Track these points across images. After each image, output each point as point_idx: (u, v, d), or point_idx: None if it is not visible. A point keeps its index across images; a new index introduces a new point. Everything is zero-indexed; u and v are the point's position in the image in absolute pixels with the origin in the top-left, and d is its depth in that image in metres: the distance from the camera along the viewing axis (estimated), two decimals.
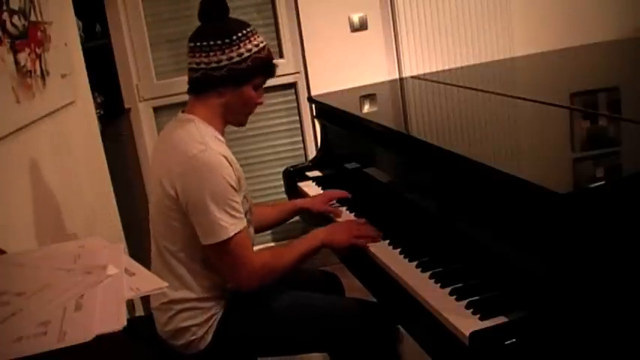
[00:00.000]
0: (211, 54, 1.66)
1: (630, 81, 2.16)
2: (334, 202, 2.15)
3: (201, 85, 1.69)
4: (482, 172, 1.45)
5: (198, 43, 1.67)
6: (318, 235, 1.82)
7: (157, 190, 1.68)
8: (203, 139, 1.64)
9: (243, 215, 1.66)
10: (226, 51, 1.66)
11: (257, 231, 1.99)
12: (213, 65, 1.66)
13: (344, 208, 2.10)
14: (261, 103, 1.78)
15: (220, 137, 1.72)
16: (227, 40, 1.66)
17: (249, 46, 1.68)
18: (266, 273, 1.70)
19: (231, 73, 1.67)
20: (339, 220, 2.03)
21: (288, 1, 3.45)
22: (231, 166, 1.65)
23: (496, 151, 1.67)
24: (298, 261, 1.77)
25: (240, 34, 1.67)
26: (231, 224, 1.60)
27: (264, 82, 1.76)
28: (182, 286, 1.70)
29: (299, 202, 2.17)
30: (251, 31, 1.71)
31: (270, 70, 1.75)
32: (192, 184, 1.60)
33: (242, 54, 1.67)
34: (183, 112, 1.76)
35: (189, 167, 1.60)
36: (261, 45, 1.72)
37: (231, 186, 1.62)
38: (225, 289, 1.76)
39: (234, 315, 1.75)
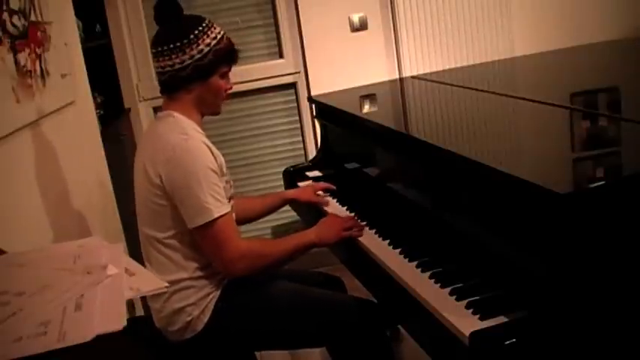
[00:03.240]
0: (173, 56, 1.73)
1: (630, 81, 2.16)
2: (322, 192, 2.23)
3: (172, 86, 1.77)
4: (483, 172, 1.45)
5: (160, 48, 1.74)
6: (309, 235, 1.86)
7: (143, 181, 1.74)
8: (183, 130, 1.72)
9: (227, 201, 1.72)
10: (187, 50, 1.72)
11: (246, 221, 2.08)
12: (178, 67, 1.73)
13: (331, 198, 2.19)
14: (230, 89, 1.84)
15: (199, 129, 1.78)
16: (185, 41, 1.72)
17: (207, 41, 1.74)
18: (251, 259, 1.73)
19: (196, 69, 1.73)
20: (327, 209, 2.11)
21: (288, 1, 3.45)
22: (212, 152, 1.71)
23: (496, 151, 1.67)
24: (287, 255, 1.80)
25: (196, 32, 1.73)
26: (215, 207, 1.66)
27: (230, 69, 1.82)
28: (174, 268, 1.74)
29: (287, 193, 2.27)
30: (207, 25, 1.76)
31: (232, 58, 1.81)
32: (176, 171, 1.67)
33: (202, 50, 1.73)
34: (156, 110, 1.81)
35: (173, 155, 1.67)
36: (219, 36, 1.77)
37: (214, 171, 1.69)
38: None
39: (232, 301, 1.77)
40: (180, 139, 1.68)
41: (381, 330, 1.85)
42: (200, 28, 1.74)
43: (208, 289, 1.75)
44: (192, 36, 1.72)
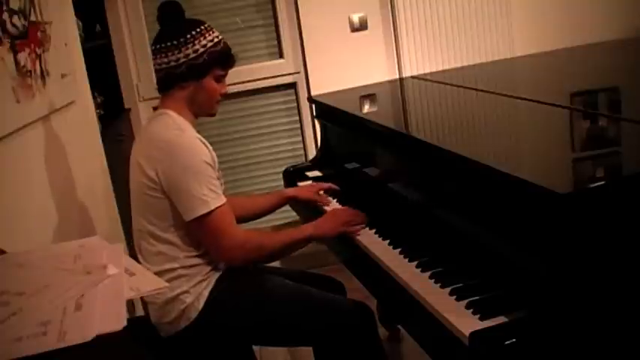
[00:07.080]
0: (169, 54, 1.78)
1: (630, 81, 2.16)
2: (323, 192, 2.22)
3: (166, 83, 1.81)
4: (483, 172, 1.45)
5: (158, 46, 1.80)
6: (307, 228, 1.89)
7: (138, 176, 1.77)
8: (178, 126, 1.77)
9: (221, 193, 1.76)
10: (182, 49, 1.77)
11: (246, 219, 2.10)
12: (173, 64, 1.78)
13: (331, 198, 2.17)
14: (225, 94, 1.88)
15: (192, 128, 1.82)
16: (182, 40, 1.77)
17: (203, 42, 1.79)
18: (248, 248, 1.78)
19: (190, 68, 1.78)
20: (327, 209, 2.11)
21: (288, 1, 3.45)
22: (206, 147, 1.75)
23: (496, 151, 1.67)
24: (285, 247, 1.84)
25: (193, 32, 1.79)
26: (212, 198, 1.71)
27: (226, 73, 1.86)
28: (166, 259, 1.77)
29: (288, 191, 2.27)
30: (205, 28, 1.82)
31: (227, 62, 1.85)
32: (172, 166, 1.71)
33: (197, 50, 1.78)
34: (156, 109, 1.88)
35: (168, 151, 1.72)
36: (216, 40, 1.83)
37: (209, 164, 1.73)
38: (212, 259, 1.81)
39: (226, 292, 1.79)
40: (175, 135, 1.74)
41: (373, 334, 1.85)
42: (198, 30, 1.79)
43: (201, 276, 1.78)
44: (189, 35, 1.77)
